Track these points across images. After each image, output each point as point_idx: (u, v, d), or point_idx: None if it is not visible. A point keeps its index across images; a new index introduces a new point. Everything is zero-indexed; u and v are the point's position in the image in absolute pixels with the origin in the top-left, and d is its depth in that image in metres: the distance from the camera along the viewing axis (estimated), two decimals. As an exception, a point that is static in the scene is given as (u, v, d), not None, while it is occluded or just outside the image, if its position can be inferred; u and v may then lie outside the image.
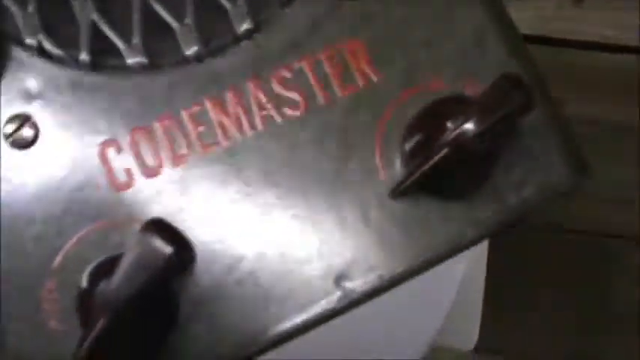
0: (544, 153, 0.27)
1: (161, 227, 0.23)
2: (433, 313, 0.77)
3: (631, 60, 0.85)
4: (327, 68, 0.27)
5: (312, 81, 0.27)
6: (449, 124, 0.25)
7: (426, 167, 0.25)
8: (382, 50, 0.27)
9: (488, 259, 0.78)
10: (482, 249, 0.79)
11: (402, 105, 0.27)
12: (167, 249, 0.22)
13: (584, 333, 0.82)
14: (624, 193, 0.80)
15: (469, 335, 0.84)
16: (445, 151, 0.24)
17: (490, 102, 0.25)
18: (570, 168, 0.27)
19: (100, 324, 0.22)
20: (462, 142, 0.24)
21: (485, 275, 0.81)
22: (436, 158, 0.25)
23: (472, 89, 0.27)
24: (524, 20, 0.73)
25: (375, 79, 0.27)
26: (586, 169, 0.28)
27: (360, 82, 0.27)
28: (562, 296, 0.83)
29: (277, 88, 0.26)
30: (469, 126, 0.24)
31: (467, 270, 0.77)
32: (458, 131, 0.24)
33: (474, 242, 0.27)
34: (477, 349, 0.82)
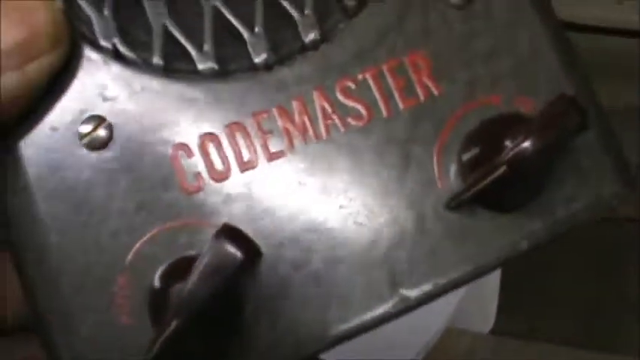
0: (594, 170, 0.28)
1: (233, 234, 0.24)
2: (448, 295, 0.79)
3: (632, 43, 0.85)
4: (390, 80, 0.28)
5: (376, 92, 0.28)
6: (507, 143, 0.26)
7: (483, 184, 0.26)
8: (443, 64, 0.28)
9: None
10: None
11: (460, 118, 0.28)
12: (239, 254, 0.23)
13: (599, 317, 0.83)
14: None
15: (486, 318, 0.86)
16: (503, 169, 0.25)
17: (547, 121, 0.26)
18: (619, 185, 0.28)
19: (175, 325, 0.24)
20: (519, 160, 0.25)
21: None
22: (494, 175, 0.26)
23: (526, 105, 0.28)
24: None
25: (435, 92, 0.28)
26: (635, 184, 0.29)
27: (422, 95, 0.28)
28: (578, 280, 0.84)
29: (342, 98, 0.27)
30: (527, 144, 0.25)
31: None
32: (516, 150, 0.25)
33: (524, 253, 0.28)
34: (493, 331, 0.84)
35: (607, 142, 0.29)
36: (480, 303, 0.83)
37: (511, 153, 0.25)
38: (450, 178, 0.27)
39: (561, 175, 0.28)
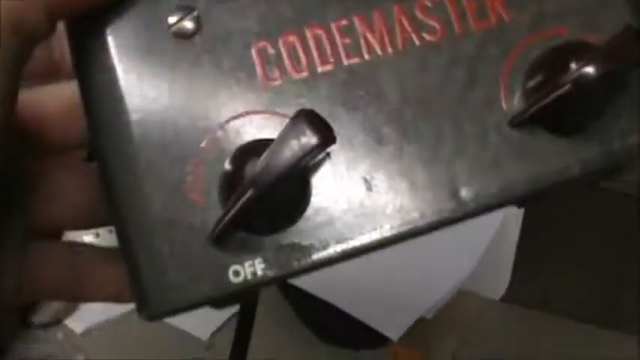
0: None
1: (313, 117, 0.26)
2: (466, 257, 0.80)
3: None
4: (465, 3, 0.29)
5: (451, 12, 0.29)
6: (572, 65, 0.27)
7: (546, 101, 0.27)
8: None
9: (524, 213, 0.81)
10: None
11: (528, 45, 0.29)
12: (315, 137, 0.25)
13: (611, 290, 0.84)
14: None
15: (498, 285, 0.87)
16: (567, 87, 0.27)
17: (613, 49, 0.27)
18: None
19: (247, 197, 0.25)
20: (583, 82, 0.27)
21: (520, 228, 0.84)
22: (557, 93, 0.27)
23: (591, 40, 0.29)
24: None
25: (506, 18, 0.29)
26: None
27: (493, 19, 0.29)
28: (593, 253, 0.85)
29: (419, 14, 0.29)
30: (591, 68, 0.27)
31: (504, 220, 0.80)
32: (580, 71, 0.27)
33: (577, 179, 0.29)
34: (503, 298, 0.85)
35: None
36: (494, 270, 0.84)
37: (576, 73, 0.27)
38: (514, 100, 0.29)
39: (620, 109, 0.29)
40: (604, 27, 0.30)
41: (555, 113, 0.28)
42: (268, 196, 0.25)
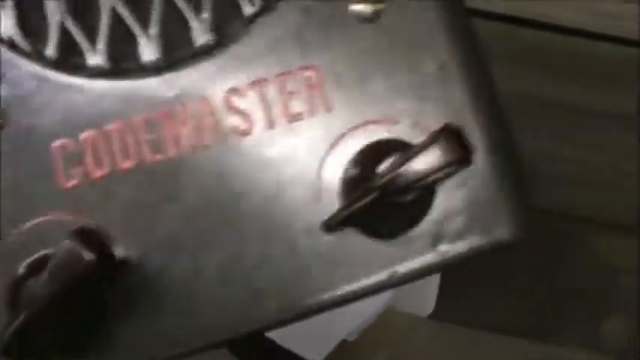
0: (489, 205, 0.28)
1: (87, 235, 0.25)
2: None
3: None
4: (278, 94, 0.27)
5: (261, 105, 0.27)
6: (381, 169, 0.26)
7: (355, 207, 0.26)
8: (338, 80, 0.27)
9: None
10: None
11: (348, 138, 0.27)
12: (88, 256, 0.24)
13: (538, 310, 0.83)
14: (597, 176, 0.79)
15: (425, 302, 0.86)
16: (372, 195, 0.25)
17: (425, 152, 0.26)
18: (514, 224, 0.28)
19: (22, 318, 0.25)
20: (389, 189, 0.25)
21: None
22: (366, 200, 0.26)
23: (422, 130, 0.27)
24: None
25: (325, 109, 0.27)
26: (531, 223, 0.28)
27: (310, 112, 0.27)
28: (519, 272, 0.84)
29: (227, 109, 0.27)
30: (401, 172, 0.25)
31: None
32: (387, 177, 0.25)
33: (401, 282, 0.28)
34: (431, 316, 0.84)
35: (504, 178, 0.28)
36: (420, 287, 0.83)
37: (382, 180, 0.25)
38: (330, 198, 0.27)
39: (450, 206, 0.27)
40: (439, 115, 0.27)
41: (369, 218, 0.27)
42: (47, 316, 0.24)
